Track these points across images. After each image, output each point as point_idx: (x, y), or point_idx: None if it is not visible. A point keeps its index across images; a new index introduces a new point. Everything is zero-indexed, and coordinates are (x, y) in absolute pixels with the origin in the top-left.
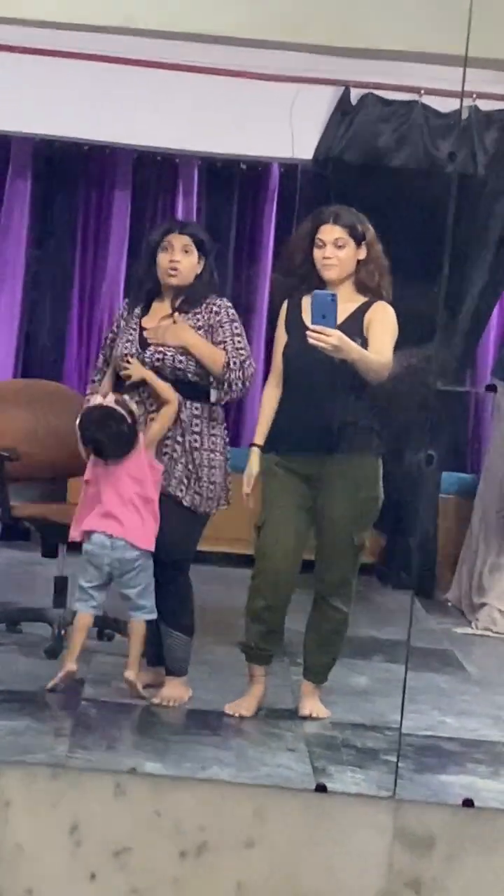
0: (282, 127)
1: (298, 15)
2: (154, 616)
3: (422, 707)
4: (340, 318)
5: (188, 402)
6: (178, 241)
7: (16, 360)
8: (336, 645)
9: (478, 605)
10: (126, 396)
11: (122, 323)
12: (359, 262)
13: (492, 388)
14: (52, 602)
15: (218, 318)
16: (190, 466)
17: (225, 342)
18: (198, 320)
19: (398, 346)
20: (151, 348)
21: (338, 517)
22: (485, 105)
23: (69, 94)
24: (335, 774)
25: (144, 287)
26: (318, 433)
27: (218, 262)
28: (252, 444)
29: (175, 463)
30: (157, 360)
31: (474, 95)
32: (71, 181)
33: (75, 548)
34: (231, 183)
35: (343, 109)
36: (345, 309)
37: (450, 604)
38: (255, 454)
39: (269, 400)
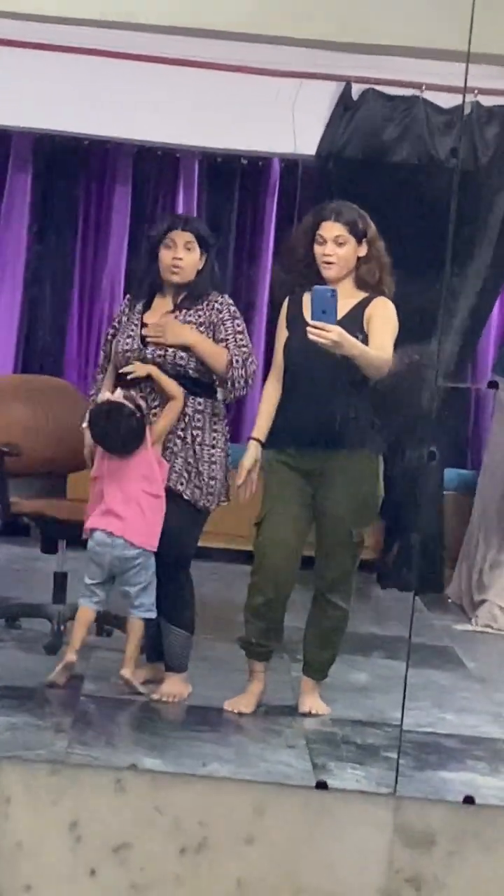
0: (283, 122)
1: (300, 10)
2: (153, 615)
3: (422, 704)
4: (340, 314)
5: (190, 398)
6: (181, 237)
7: (16, 354)
8: (336, 641)
9: (478, 601)
10: (133, 392)
11: (124, 319)
12: (359, 258)
13: (494, 384)
14: (51, 598)
15: (220, 316)
16: (190, 461)
17: (227, 340)
18: (199, 316)
19: (399, 343)
20: (153, 343)
21: (338, 513)
22: (486, 101)
23: (69, 89)
24: (335, 771)
25: (146, 283)
26: (318, 429)
27: (218, 258)
28: (251, 438)
29: (175, 458)
30: (159, 356)
31: (476, 91)
32: (71, 176)
33: (74, 544)
34: (232, 178)
35: (344, 105)
36: (345, 305)
37: (450, 600)
38: (252, 447)
39: (269, 396)
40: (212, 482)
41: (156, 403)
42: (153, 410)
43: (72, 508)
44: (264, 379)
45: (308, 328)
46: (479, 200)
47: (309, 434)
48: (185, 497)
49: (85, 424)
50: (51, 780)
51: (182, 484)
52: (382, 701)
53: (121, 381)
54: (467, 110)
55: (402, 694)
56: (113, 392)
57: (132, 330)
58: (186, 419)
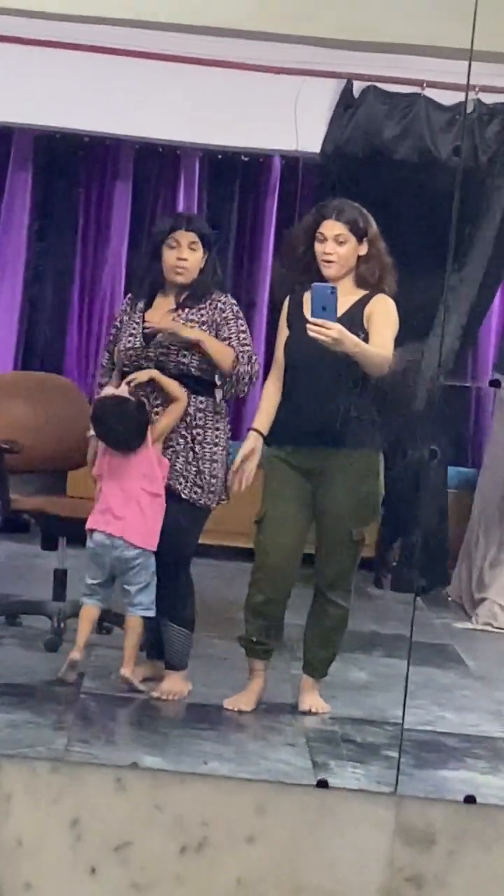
0: (284, 120)
1: (301, 7)
2: (151, 613)
3: (422, 702)
4: (340, 311)
5: (192, 396)
6: (185, 237)
7: (16, 352)
8: (336, 640)
9: (478, 600)
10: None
11: (125, 318)
12: (359, 257)
13: (495, 383)
14: (51, 595)
15: (224, 315)
16: (192, 460)
17: (230, 338)
18: (202, 315)
19: (399, 341)
20: (155, 342)
21: (338, 512)
22: (487, 98)
23: (70, 85)
24: (335, 769)
25: (147, 282)
26: (318, 427)
27: (219, 255)
28: (251, 429)
29: (177, 456)
30: (162, 354)
31: (477, 88)
32: (72, 173)
33: (75, 541)
34: (232, 175)
35: (346, 102)
36: (345, 302)
37: (450, 599)
38: (251, 437)
39: (269, 394)
40: (213, 480)
41: (157, 402)
42: (155, 409)
43: (72, 505)
44: (264, 378)
45: (308, 325)
46: (479, 198)
47: (309, 432)
48: (186, 495)
49: (91, 433)
50: (51, 778)
51: (183, 482)
52: (382, 699)
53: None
54: (469, 108)
55: (402, 692)
56: (119, 386)
57: (134, 328)
58: (188, 418)
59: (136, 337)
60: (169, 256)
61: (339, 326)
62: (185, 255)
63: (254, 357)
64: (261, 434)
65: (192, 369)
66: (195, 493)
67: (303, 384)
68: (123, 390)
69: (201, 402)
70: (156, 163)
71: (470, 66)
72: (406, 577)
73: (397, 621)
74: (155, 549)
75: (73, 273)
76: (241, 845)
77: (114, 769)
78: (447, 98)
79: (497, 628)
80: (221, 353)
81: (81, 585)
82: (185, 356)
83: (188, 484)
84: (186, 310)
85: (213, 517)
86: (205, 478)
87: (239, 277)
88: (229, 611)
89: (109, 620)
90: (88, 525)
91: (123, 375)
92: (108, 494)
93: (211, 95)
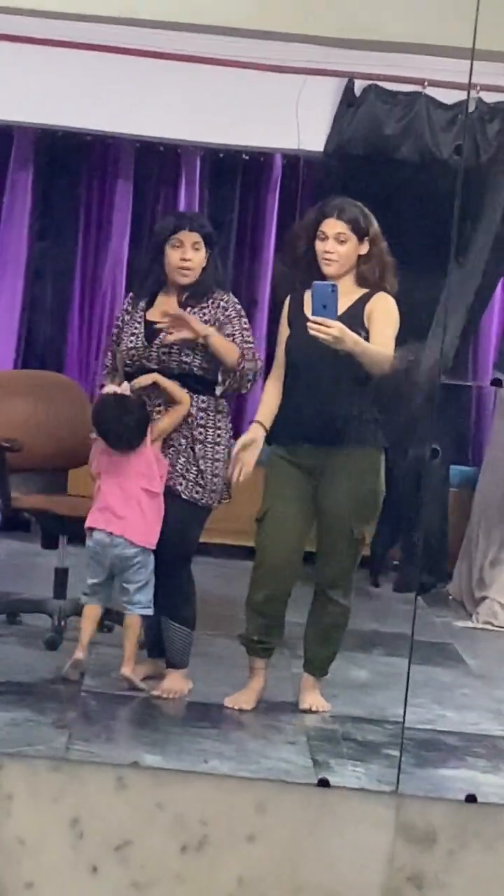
0: (285, 118)
1: (302, 6)
2: (150, 612)
3: (422, 701)
4: (341, 310)
5: (194, 396)
6: (189, 238)
7: (17, 350)
8: (336, 638)
9: (478, 598)
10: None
11: (126, 317)
12: (360, 257)
13: (497, 382)
14: (52, 593)
15: (226, 314)
16: (193, 459)
17: (234, 336)
18: (204, 314)
19: (400, 340)
20: (158, 341)
21: (339, 510)
22: (488, 97)
23: (71, 84)
24: (335, 768)
25: (150, 281)
26: (320, 426)
27: (220, 254)
28: (253, 421)
29: (178, 455)
30: (164, 353)
31: (478, 87)
32: (73, 171)
33: (75, 539)
34: (234, 174)
35: (347, 101)
36: (345, 300)
37: (450, 597)
38: (253, 428)
39: (270, 392)
40: (214, 479)
41: (158, 403)
42: (157, 409)
43: (72, 504)
44: (265, 376)
45: (309, 323)
46: (479, 197)
47: (310, 431)
48: (187, 495)
49: (94, 434)
50: (52, 777)
51: (184, 482)
52: (383, 698)
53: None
54: (470, 107)
55: (402, 690)
56: (121, 384)
57: (136, 328)
58: (190, 417)
59: (137, 336)
60: (173, 257)
61: (339, 325)
62: (189, 256)
63: (257, 354)
64: (263, 426)
65: (195, 368)
66: (196, 492)
67: (304, 383)
68: (125, 388)
69: (203, 402)
70: (157, 161)
71: (472, 65)
72: (407, 577)
73: (398, 619)
74: (154, 547)
75: (73, 271)
76: (242, 844)
77: (114, 768)
78: (448, 97)
79: (497, 627)
80: (226, 348)
81: (82, 584)
82: (187, 355)
83: (189, 483)
84: (189, 309)
85: (213, 515)
86: (206, 477)
87: (240, 276)
88: (230, 609)
89: (111, 619)
90: (88, 524)
91: (126, 375)
92: (107, 493)
93: (211, 94)
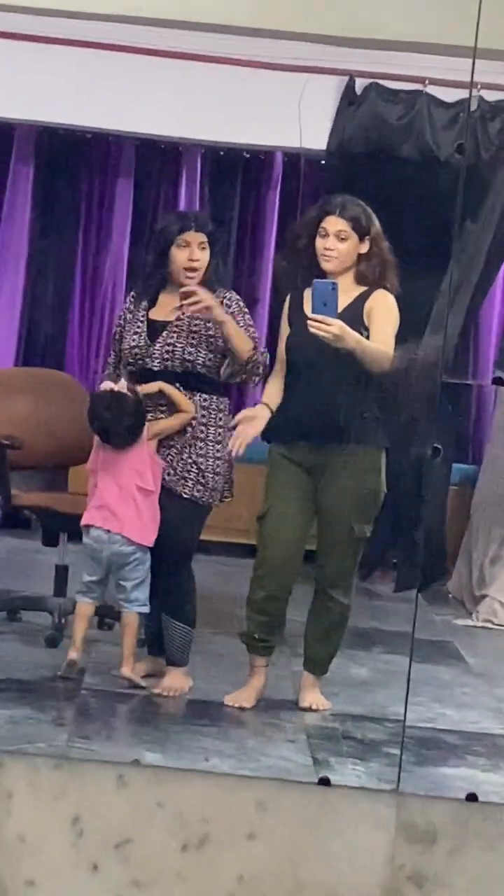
0: (286, 116)
1: (303, 4)
2: (146, 609)
3: (422, 699)
4: (340, 308)
5: (197, 394)
6: (195, 238)
7: (17, 348)
8: (337, 636)
9: (479, 596)
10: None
11: (128, 316)
12: (360, 255)
13: (499, 380)
14: (52, 591)
15: (230, 310)
16: (195, 457)
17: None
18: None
19: (402, 337)
20: (161, 340)
21: (339, 509)
22: (489, 96)
23: (72, 82)
24: (335, 766)
25: (154, 280)
26: (320, 424)
27: (221, 251)
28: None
29: (179, 453)
30: (167, 352)
31: (479, 86)
32: (74, 169)
33: (76, 537)
34: (234, 171)
35: (348, 99)
36: (345, 299)
37: (450, 595)
38: (258, 406)
39: (271, 391)
40: (216, 478)
41: (162, 404)
42: (160, 408)
43: (73, 501)
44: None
45: (309, 321)
46: (480, 194)
47: (311, 429)
48: (188, 493)
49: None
50: (53, 775)
51: (185, 480)
52: (383, 696)
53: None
54: (472, 105)
55: (402, 689)
56: (117, 382)
57: (138, 326)
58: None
59: (140, 335)
60: (179, 257)
61: (339, 323)
62: (196, 256)
63: (262, 348)
64: (268, 407)
65: (198, 366)
66: (197, 490)
67: (304, 381)
68: (121, 386)
69: (205, 400)
70: (158, 159)
71: (474, 63)
72: (407, 576)
73: (398, 617)
74: (152, 545)
75: (74, 269)
76: (242, 842)
77: (115, 766)
78: (449, 95)
79: (497, 625)
80: (241, 338)
81: (78, 583)
82: (190, 353)
83: (190, 481)
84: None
85: (214, 513)
86: (207, 475)
87: (240, 274)
88: (230, 607)
89: (111, 617)
90: (85, 521)
91: (128, 374)
92: (104, 490)
93: (212, 92)
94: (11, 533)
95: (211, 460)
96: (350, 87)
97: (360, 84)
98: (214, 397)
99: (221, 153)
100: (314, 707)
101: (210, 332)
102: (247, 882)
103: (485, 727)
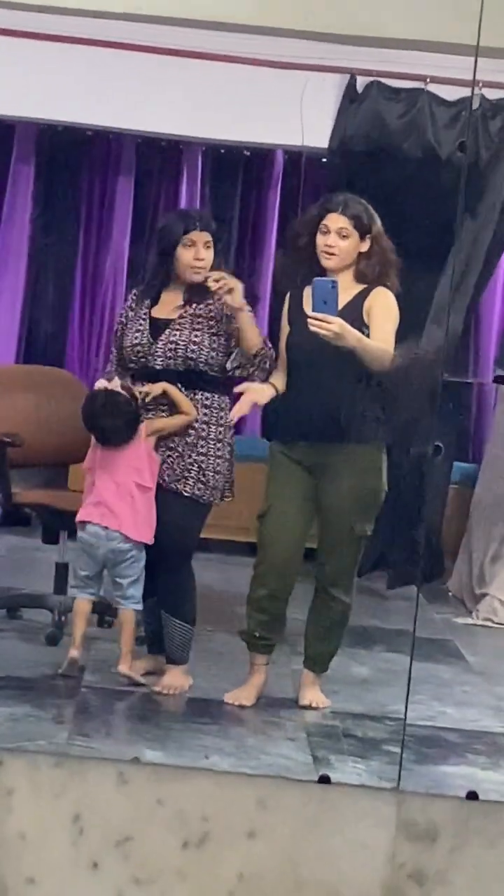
0: (287, 114)
1: (304, 3)
2: (140, 607)
3: (422, 697)
4: (340, 306)
5: (199, 392)
6: (200, 237)
7: (18, 345)
8: (337, 635)
9: (479, 595)
10: (129, 383)
11: (130, 314)
12: (360, 254)
13: (500, 379)
14: (52, 588)
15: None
16: (196, 456)
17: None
18: (210, 311)
19: (403, 336)
20: (163, 338)
21: (340, 507)
22: (490, 94)
23: (73, 79)
24: (335, 764)
25: (158, 279)
26: (321, 423)
27: (222, 250)
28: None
29: (181, 452)
30: (170, 349)
31: (480, 84)
32: (74, 167)
33: (76, 534)
34: (235, 170)
35: (350, 97)
36: (344, 296)
37: (450, 594)
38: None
39: (275, 379)
40: (216, 476)
41: (164, 403)
42: (162, 407)
43: (73, 499)
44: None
45: (309, 320)
46: (481, 193)
47: (312, 427)
48: (189, 492)
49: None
50: (53, 773)
51: (186, 478)
52: (383, 694)
53: (130, 375)
54: (474, 104)
55: (402, 687)
56: (111, 380)
57: (140, 325)
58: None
59: (143, 333)
60: (185, 256)
61: (340, 321)
62: (202, 255)
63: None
64: (274, 387)
65: (200, 364)
66: (198, 489)
67: (305, 379)
68: (115, 384)
69: (206, 399)
70: (158, 157)
71: (476, 61)
72: (401, 573)
73: (399, 616)
74: (149, 541)
75: (74, 266)
76: (243, 840)
77: (115, 764)
78: (450, 93)
79: (497, 623)
80: (254, 329)
81: (74, 579)
82: (192, 351)
83: (191, 480)
84: (194, 305)
85: (215, 512)
86: (207, 474)
87: (241, 272)
88: (230, 605)
89: (111, 615)
90: (81, 517)
91: (130, 372)
92: (102, 487)
93: (213, 90)
94: (11, 530)
95: (212, 459)
96: (351, 85)
97: (361, 82)
98: (216, 396)
99: (222, 151)
100: (314, 705)
101: (213, 331)
102: (247, 880)
103: (485, 725)
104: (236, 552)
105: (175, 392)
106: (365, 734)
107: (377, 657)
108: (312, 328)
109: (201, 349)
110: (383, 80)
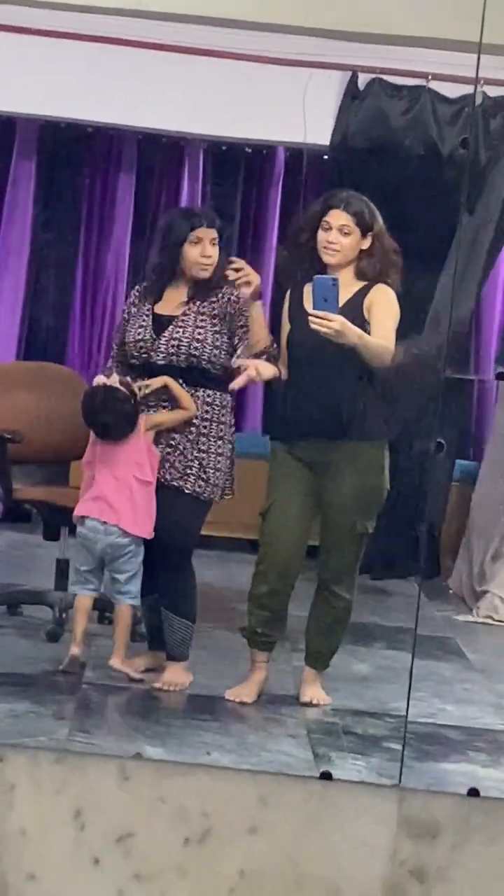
0: (288, 111)
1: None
2: (137, 602)
3: (423, 695)
4: (340, 303)
5: (200, 389)
6: (207, 234)
7: (19, 342)
8: (338, 632)
9: (479, 592)
10: (129, 379)
11: (133, 310)
12: (361, 251)
13: (501, 376)
14: (53, 585)
15: (237, 307)
16: (196, 452)
17: (246, 327)
18: (213, 308)
19: (404, 333)
20: (166, 334)
21: (342, 504)
22: (492, 91)
23: (74, 76)
24: (336, 761)
25: (164, 276)
26: (322, 420)
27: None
28: None
29: (182, 448)
30: (173, 346)
31: (482, 81)
32: (76, 163)
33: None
34: (236, 166)
35: (352, 94)
36: (344, 293)
37: (451, 591)
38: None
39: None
40: (217, 474)
41: (164, 398)
42: (163, 403)
43: (74, 496)
44: None
45: (309, 317)
46: (481, 190)
47: (313, 425)
48: (190, 489)
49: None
50: (54, 769)
51: (187, 475)
52: (384, 691)
53: (131, 371)
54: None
55: (402, 684)
56: (110, 376)
57: (144, 321)
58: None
59: (146, 329)
60: (192, 253)
61: (340, 318)
62: (208, 252)
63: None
64: (279, 369)
65: (203, 361)
66: (199, 486)
67: (306, 377)
68: (114, 380)
69: (208, 396)
70: (160, 154)
71: (479, 59)
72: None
73: (399, 613)
74: (148, 536)
75: (76, 263)
76: (244, 837)
77: (116, 760)
78: (452, 91)
79: (498, 621)
80: (263, 325)
81: (73, 574)
82: (195, 348)
83: (192, 477)
84: (198, 302)
85: (216, 509)
86: (208, 471)
87: None
88: (231, 602)
89: (110, 611)
90: (79, 512)
91: (132, 368)
92: (101, 482)
93: (214, 87)
94: (12, 527)
95: (213, 456)
96: (353, 82)
97: (363, 79)
98: (218, 393)
99: (224, 148)
100: (315, 702)
101: (216, 328)
102: (248, 876)
103: (486, 723)
104: (237, 549)
105: (175, 386)
106: (365, 731)
107: (377, 654)
108: (313, 326)
109: (204, 346)
110: (385, 77)
